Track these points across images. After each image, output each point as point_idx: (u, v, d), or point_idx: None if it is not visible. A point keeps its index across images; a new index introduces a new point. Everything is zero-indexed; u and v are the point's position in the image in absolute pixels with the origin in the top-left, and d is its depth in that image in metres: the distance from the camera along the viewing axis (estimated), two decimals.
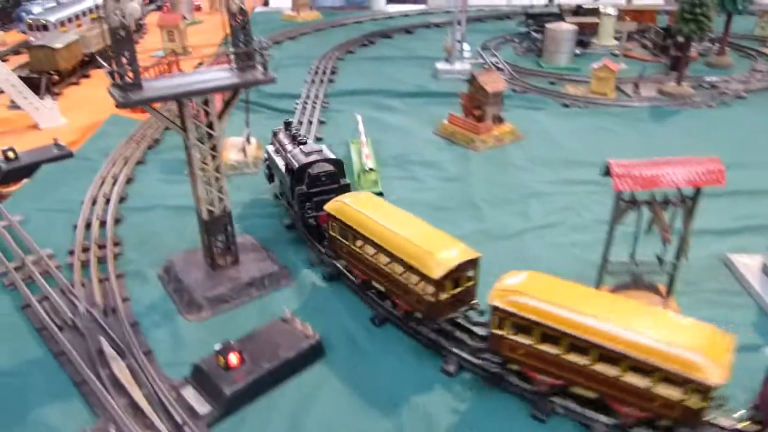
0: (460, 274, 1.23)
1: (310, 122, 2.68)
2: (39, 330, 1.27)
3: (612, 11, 3.70)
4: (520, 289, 1.45)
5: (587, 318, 1.06)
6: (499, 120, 2.19)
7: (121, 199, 1.75)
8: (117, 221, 1.67)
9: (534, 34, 3.45)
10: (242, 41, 1.24)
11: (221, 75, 1.26)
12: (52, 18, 3.12)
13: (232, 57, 1.17)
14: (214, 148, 1.25)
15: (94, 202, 1.75)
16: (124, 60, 1.18)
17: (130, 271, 1.48)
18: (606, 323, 1.25)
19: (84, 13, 3.51)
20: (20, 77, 2.58)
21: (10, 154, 1.93)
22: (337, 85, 2.79)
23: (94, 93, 2.55)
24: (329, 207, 1.45)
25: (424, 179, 1.90)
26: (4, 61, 3.11)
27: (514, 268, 1.50)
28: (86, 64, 2.86)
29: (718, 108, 2.82)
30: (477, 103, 2.21)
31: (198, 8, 4.42)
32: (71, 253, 1.50)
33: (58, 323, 1.30)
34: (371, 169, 1.79)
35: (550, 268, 1.42)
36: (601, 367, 1.59)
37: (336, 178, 1.69)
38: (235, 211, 1.79)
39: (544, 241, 1.62)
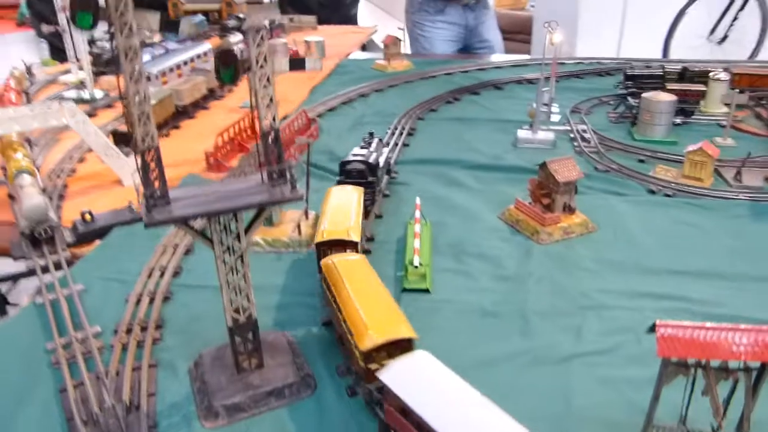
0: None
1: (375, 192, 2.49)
2: (68, 420, 1.28)
3: (724, 76, 3.30)
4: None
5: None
6: (569, 210, 1.98)
7: (176, 273, 1.73)
8: (166, 299, 1.67)
9: (630, 100, 3.10)
10: (275, 158, 1.20)
11: (251, 187, 1.23)
12: (154, 70, 3.29)
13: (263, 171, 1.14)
14: (240, 259, 1.23)
15: (150, 274, 1.76)
16: (153, 176, 1.19)
17: (164, 360, 1.45)
18: None
19: (185, 62, 3.67)
20: (114, 131, 2.73)
21: (87, 217, 2.01)
22: (411, 151, 2.62)
23: (181, 146, 2.63)
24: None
25: (477, 276, 1.72)
26: (106, 107, 3.28)
27: (553, 404, 1.33)
28: (178, 115, 2.95)
29: None
30: (546, 191, 2.03)
31: (295, 54, 4.41)
32: (115, 332, 1.51)
33: (84, 416, 1.31)
34: (420, 265, 1.68)
35: (595, 409, 1.23)
36: None
37: (364, 175, 1.95)
38: (274, 298, 1.73)
39: (592, 372, 1.40)
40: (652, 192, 2.28)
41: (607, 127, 3.03)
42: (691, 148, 2.34)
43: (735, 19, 6.47)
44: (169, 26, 5.32)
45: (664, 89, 2.90)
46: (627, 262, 1.87)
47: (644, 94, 2.80)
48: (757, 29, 6.71)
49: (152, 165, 1.09)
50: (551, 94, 3.10)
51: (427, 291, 1.72)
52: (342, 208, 1.80)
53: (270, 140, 1.19)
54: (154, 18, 2.10)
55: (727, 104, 3.08)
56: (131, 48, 1.01)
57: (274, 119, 1.19)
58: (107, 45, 4.03)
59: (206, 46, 3.83)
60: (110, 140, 2.54)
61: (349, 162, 2.13)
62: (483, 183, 2.40)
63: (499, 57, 4.31)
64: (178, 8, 5.27)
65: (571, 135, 2.80)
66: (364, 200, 1.90)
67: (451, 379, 1.14)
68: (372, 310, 1.38)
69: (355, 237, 1.65)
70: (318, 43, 4.24)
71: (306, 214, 2.09)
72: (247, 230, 1.28)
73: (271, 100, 1.17)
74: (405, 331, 1.38)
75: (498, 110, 3.25)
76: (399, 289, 1.72)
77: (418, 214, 1.93)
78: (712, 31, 6.61)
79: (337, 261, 1.53)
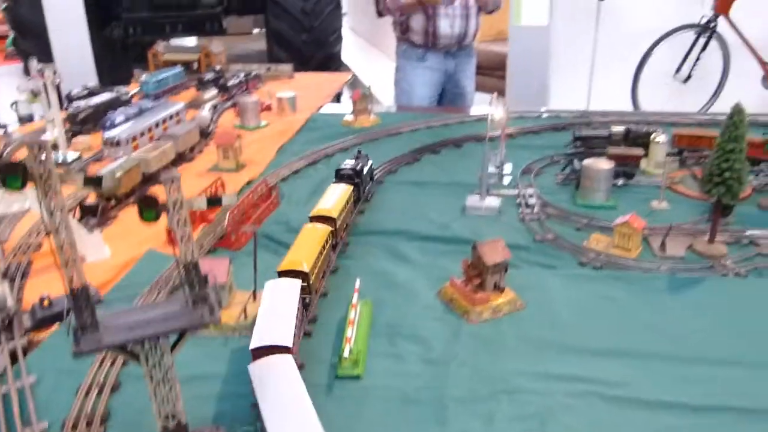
0: None
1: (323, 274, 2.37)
2: None
3: (662, 139, 3.45)
4: None
5: None
6: (499, 289, 2.10)
7: (125, 362, 1.83)
8: (114, 389, 1.77)
9: (575, 162, 3.21)
10: (195, 284, 1.36)
11: (175, 311, 1.37)
12: (125, 136, 3.41)
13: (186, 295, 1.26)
14: (167, 373, 1.37)
15: (101, 363, 1.87)
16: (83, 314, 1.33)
17: None
18: None
19: (157, 125, 3.79)
20: (81, 203, 2.88)
21: (46, 302, 2.14)
22: (365, 220, 2.72)
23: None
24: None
25: (407, 359, 1.83)
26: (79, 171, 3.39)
27: None
28: (146, 182, 3.07)
29: (750, 277, 2.41)
30: (477, 271, 2.17)
31: (268, 108, 4.44)
32: (62, 427, 1.61)
33: None
34: (350, 353, 1.77)
35: None
36: None
37: (352, 177, 2.87)
38: (215, 388, 1.85)
39: None
40: (582, 264, 2.43)
41: (554, 189, 3.19)
42: (618, 221, 2.51)
43: (698, 59, 6.73)
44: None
45: (602, 158, 3.06)
46: (548, 342, 2.02)
47: (585, 162, 2.97)
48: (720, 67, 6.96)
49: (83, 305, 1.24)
50: (501, 157, 3.28)
51: (358, 377, 1.86)
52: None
53: (190, 271, 1.35)
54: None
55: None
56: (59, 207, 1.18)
57: (192, 252, 1.36)
58: (82, 104, 4.19)
59: (179, 105, 4.00)
60: (77, 213, 2.67)
61: (342, 169, 2.88)
62: (428, 256, 2.55)
63: (457, 113, 4.45)
64: (158, 58, 5.47)
65: (518, 201, 2.96)
66: (354, 197, 2.75)
67: None
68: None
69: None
70: (290, 99, 4.42)
71: (254, 296, 2.23)
72: (173, 348, 1.44)
73: (188, 237, 1.33)
74: None
75: (455, 171, 3.40)
76: (334, 374, 1.86)
77: (356, 298, 2.08)
78: (678, 70, 6.86)
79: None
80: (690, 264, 2.43)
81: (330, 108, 4.80)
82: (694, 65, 7.07)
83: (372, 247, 2.65)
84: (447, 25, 4.59)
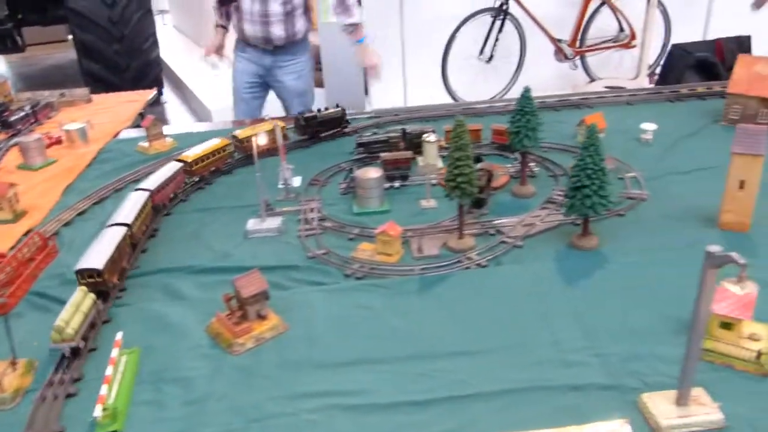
0: None
1: (93, 325, 2.29)
2: None
3: (433, 138, 3.80)
4: None
5: None
6: (261, 317, 2.25)
7: None
8: None
9: (354, 170, 3.40)
10: None
11: None
12: None
13: None
14: None
15: None
16: None
17: None
18: None
19: None
20: None
21: None
22: (146, 259, 2.74)
23: None
24: None
25: (168, 404, 1.93)
26: None
27: None
28: None
29: (490, 266, 2.64)
30: (239, 304, 2.30)
31: (58, 141, 4.16)
32: None
33: None
34: (104, 410, 1.83)
35: None
36: None
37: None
38: None
39: None
40: (348, 276, 2.64)
41: (338, 200, 3.38)
42: (378, 230, 2.74)
43: (497, 40, 7.26)
44: None
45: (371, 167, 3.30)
46: (303, 361, 2.21)
47: (355, 172, 3.19)
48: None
49: None
50: (284, 174, 3.42)
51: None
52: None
53: None
54: None
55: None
56: None
57: None
58: None
59: None
60: None
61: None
62: (205, 290, 2.63)
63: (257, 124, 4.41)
64: None
65: (299, 217, 3.12)
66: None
67: None
68: None
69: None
70: (79, 131, 4.27)
71: (13, 364, 2.21)
72: None
73: None
74: None
75: (248, 192, 3.46)
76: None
77: (115, 353, 2.14)
78: (481, 52, 7.36)
79: None
80: (441, 261, 2.71)
81: (129, 133, 4.69)
82: (494, 46, 7.64)
83: (148, 289, 2.70)
84: (250, 28, 5.04)
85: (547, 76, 8.60)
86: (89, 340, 2.32)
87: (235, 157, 3.89)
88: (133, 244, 2.87)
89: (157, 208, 3.21)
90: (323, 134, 4.25)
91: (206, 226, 3.22)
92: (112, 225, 2.78)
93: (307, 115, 4.13)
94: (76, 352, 2.26)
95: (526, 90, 3.04)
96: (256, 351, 2.28)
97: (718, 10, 8.28)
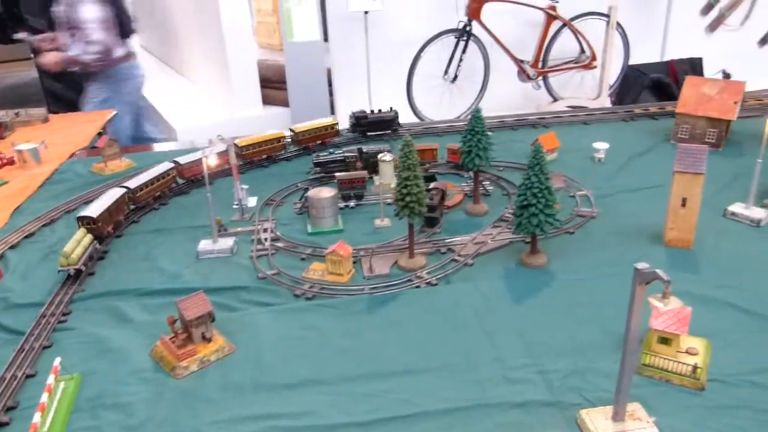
0: None
1: (32, 348, 2.32)
2: None
3: (388, 157, 3.82)
4: None
5: None
6: (206, 340, 2.23)
7: None
8: None
9: (309, 190, 3.42)
10: None
11: None
12: None
13: None
14: None
15: None
16: None
17: None
18: None
19: None
20: None
21: None
22: (93, 282, 2.72)
23: None
24: None
25: (105, 430, 1.90)
26: None
27: None
28: None
29: (440, 285, 2.64)
30: (183, 326, 2.28)
31: (10, 162, 4.09)
32: None
33: None
34: None
35: None
36: None
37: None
38: None
39: None
40: (297, 296, 2.63)
41: (293, 219, 3.36)
42: (328, 250, 2.73)
43: (461, 60, 7.37)
44: None
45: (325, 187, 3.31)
46: (247, 383, 2.17)
47: (308, 193, 3.19)
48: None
49: None
50: (239, 195, 3.40)
51: None
52: None
53: None
54: None
55: None
56: None
57: None
58: None
59: None
60: None
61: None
62: (152, 313, 2.59)
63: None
64: None
65: (252, 237, 3.09)
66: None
67: None
68: None
69: None
70: (31, 151, 4.21)
71: None
72: None
73: None
74: None
75: (198, 212, 3.44)
76: None
77: (51, 379, 2.08)
78: (446, 72, 7.46)
79: None
80: (391, 280, 2.72)
81: (86, 153, 4.63)
82: (458, 67, 7.75)
83: (94, 312, 2.65)
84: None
85: (511, 96, 8.76)
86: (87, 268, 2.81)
87: (178, 182, 3.89)
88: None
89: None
90: (372, 133, 4.39)
91: (157, 248, 3.18)
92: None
93: (358, 114, 4.32)
94: (78, 274, 2.79)
95: (477, 111, 3.09)
96: (200, 374, 2.25)
97: (674, 32, 8.55)
